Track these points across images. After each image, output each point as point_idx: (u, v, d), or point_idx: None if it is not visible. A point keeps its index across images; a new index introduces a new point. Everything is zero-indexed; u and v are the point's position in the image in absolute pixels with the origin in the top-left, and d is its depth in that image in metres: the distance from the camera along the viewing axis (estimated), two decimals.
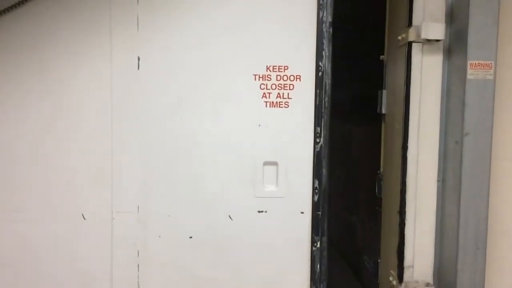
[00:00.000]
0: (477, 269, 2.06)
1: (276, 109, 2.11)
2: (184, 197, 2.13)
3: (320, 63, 2.09)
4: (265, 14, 2.08)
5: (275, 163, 2.13)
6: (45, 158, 2.11)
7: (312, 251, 2.16)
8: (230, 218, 2.15)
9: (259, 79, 2.11)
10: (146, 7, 2.07)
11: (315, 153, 2.12)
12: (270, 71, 2.10)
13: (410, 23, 2.07)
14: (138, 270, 2.16)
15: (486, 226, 2.06)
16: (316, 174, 2.13)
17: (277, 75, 2.10)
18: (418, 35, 2.03)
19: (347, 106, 5.17)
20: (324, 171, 2.13)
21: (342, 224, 4.31)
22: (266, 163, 2.13)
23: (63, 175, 2.12)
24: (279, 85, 2.10)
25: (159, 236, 2.15)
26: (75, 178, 2.12)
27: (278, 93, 2.11)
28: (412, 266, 2.15)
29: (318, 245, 2.15)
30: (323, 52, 2.09)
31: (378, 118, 2.50)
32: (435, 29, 2.02)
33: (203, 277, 2.17)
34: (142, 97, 2.10)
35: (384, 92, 2.41)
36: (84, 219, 2.13)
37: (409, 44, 2.07)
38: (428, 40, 2.04)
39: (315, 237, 2.15)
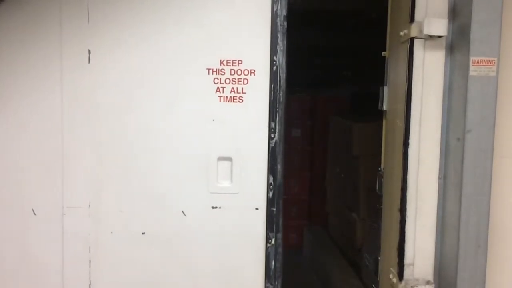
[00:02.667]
0: (478, 267, 2.05)
1: (230, 104, 2.09)
2: (136, 193, 2.12)
3: (274, 57, 2.07)
4: (218, 8, 2.06)
5: (229, 159, 2.12)
6: None
7: (266, 248, 2.14)
8: (184, 214, 2.13)
9: (212, 73, 2.08)
10: None
11: (270, 149, 2.11)
12: (224, 65, 2.08)
13: (412, 19, 2.05)
14: (90, 266, 2.14)
15: (488, 224, 2.05)
16: (271, 170, 2.12)
17: (231, 69, 2.08)
18: (421, 31, 2.02)
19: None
20: (279, 166, 2.12)
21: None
22: (220, 159, 2.12)
23: (13, 170, 2.10)
24: (233, 80, 2.09)
25: (111, 232, 2.13)
26: (25, 173, 2.10)
27: (232, 88, 2.09)
28: (413, 264, 2.14)
29: (273, 242, 2.14)
30: (278, 46, 2.07)
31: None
32: (438, 25, 2.00)
33: (156, 274, 2.15)
34: (93, 91, 2.08)
35: (386, 88, 2.39)
36: (35, 214, 2.11)
37: (411, 40, 2.05)
38: (431, 36, 2.03)
39: (269, 234, 2.14)
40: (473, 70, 1.98)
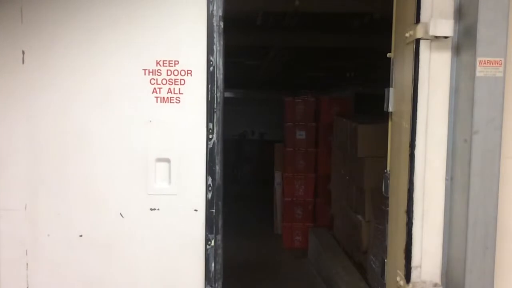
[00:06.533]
0: (486, 269, 2.03)
1: (168, 105, 2.09)
2: (73, 195, 2.11)
3: (211, 58, 2.07)
4: (154, 8, 2.06)
5: (167, 160, 2.11)
6: None
7: (206, 250, 2.13)
8: (122, 216, 2.12)
9: (149, 74, 2.08)
10: None
11: (208, 150, 2.10)
12: (160, 65, 2.08)
13: (418, 20, 2.04)
14: (27, 269, 2.12)
15: (495, 226, 2.03)
16: (209, 171, 2.11)
17: (167, 70, 2.08)
18: (426, 31, 2.01)
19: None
20: (218, 168, 2.11)
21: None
22: (158, 160, 2.11)
23: None
24: (170, 80, 2.08)
25: (48, 235, 2.12)
26: None
27: (169, 88, 2.09)
28: (420, 266, 2.12)
29: (212, 244, 2.13)
30: (214, 47, 2.07)
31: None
32: (444, 26, 1.99)
33: (94, 276, 2.14)
34: (27, 92, 2.06)
35: (391, 90, 2.38)
36: None
37: (417, 41, 2.04)
38: (437, 37, 2.01)
39: (209, 235, 2.12)
40: (480, 71, 1.97)
